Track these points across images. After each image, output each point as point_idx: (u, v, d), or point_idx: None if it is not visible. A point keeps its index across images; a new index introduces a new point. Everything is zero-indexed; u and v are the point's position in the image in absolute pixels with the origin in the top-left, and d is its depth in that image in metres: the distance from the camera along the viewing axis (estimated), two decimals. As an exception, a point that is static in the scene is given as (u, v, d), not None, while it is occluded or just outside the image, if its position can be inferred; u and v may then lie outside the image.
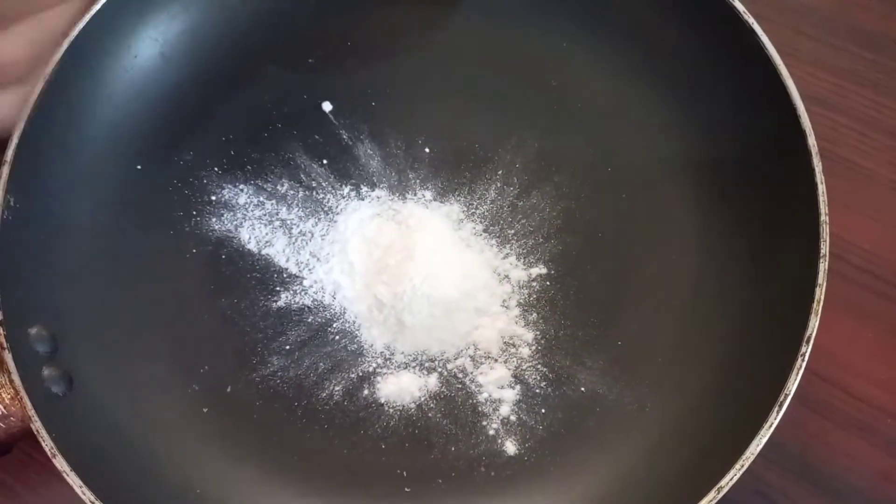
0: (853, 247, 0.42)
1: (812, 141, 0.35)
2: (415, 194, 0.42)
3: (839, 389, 0.39)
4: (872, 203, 0.43)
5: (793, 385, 0.32)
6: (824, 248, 0.33)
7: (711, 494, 0.31)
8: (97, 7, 0.39)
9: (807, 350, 0.32)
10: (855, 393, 0.39)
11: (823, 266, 0.33)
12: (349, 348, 0.39)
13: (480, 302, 0.39)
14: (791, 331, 0.33)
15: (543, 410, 0.37)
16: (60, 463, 0.31)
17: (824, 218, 0.34)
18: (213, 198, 0.41)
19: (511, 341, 0.39)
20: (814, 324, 0.32)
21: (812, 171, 0.34)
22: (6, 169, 0.35)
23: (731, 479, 0.31)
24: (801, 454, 0.38)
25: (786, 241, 0.36)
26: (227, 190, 0.42)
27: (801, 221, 0.34)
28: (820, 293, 0.33)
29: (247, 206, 0.41)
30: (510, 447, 0.37)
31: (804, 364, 0.32)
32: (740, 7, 0.38)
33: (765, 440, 0.31)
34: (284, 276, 0.40)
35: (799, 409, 0.38)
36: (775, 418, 0.31)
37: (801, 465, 0.38)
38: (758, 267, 0.37)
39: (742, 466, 0.31)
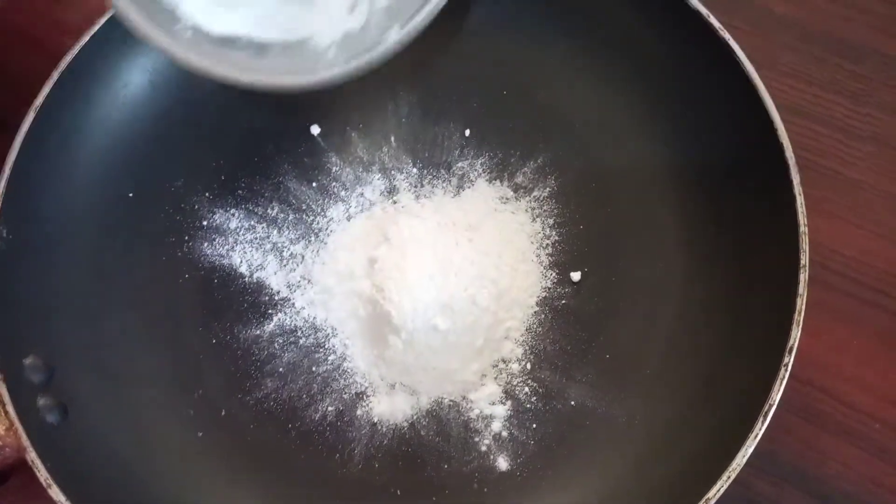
0: (837, 255, 0.42)
1: (790, 153, 0.35)
2: (405, 214, 0.42)
3: (828, 396, 0.40)
4: (855, 211, 0.43)
5: (777, 395, 0.32)
6: (804, 258, 0.34)
7: (700, 506, 0.31)
8: (87, 37, 0.40)
9: (790, 360, 0.32)
10: (844, 399, 0.40)
11: (804, 276, 0.33)
12: (342, 368, 0.39)
13: (471, 320, 0.40)
14: (774, 341, 0.33)
15: (535, 425, 0.38)
16: (56, 493, 0.31)
17: (803, 229, 0.34)
18: (205, 223, 0.42)
19: (501, 357, 0.39)
20: (796, 334, 0.33)
21: (790, 182, 0.35)
22: (-1, 201, 0.36)
23: (718, 490, 0.31)
24: (791, 461, 0.39)
25: (767, 251, 0.36)
26: (218, 215, 0.42)
27: (782, 232, 0.35)
28: (801, 303, 0.33)
29: (238, 230, 0.42)
30: (502, 463, 0.37)
31: (787, 374, 0.32)
32: (716, 23, 0.38)
33: (750, 450, 0.32)
34: (276, 298, 0.41)
35: (788, 416, 0.38)
36: (760, 428, 0.32)
37: (791, 472, 0.38)
38: (741, 278, 0.37)
39: (729, 477, 0.31)
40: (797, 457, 0.39)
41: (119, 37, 0.41)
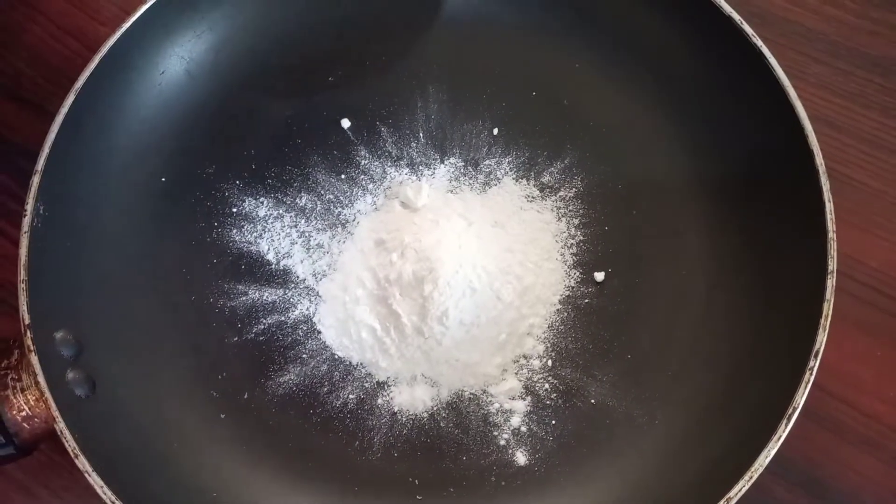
0: (861, 265, 0.42)
1: (819, 160, 0.35)
2: (432, 209, 0.43)
3: (848, 406, 0.40)
4: (880, 222, 0.43)
5: (801, 398, 0.32)
6: (832, 264, 0.34)
7: (720, 506, 0.31)
8: (126, 25, 0.40)
9: (815, 364, 0.33)
10: (863, 410, 0.40)
11: (831, 282, 0.34)
12: (364, 357, 0.40)
13: (494, 314, 0.40)
14: (799, 345, 0.33)
15: (554, 422, 0.38)
16: (83, 463, 0.32)
17: (832, 235, 0.34)
18: (235, 210, 0.42)
19: (523, 353, 0.39)
20: (822, 339, 0.33)
21: (820, 189, 0.35)
22: (37, 178, 0.37)
23: (739, 491, 0.31)
24: (809, 470, 0.39)
25: (794, 257, 0.36)
26: (247, 202, 0.43)
27: (810, 238, 0.35)
28: (828, 309, 0.33)
29: (267, 218, 0.42)
30: (520, 457, 0.37)
31: (812, 378, 0.32)
32: (749, 30, 0.38)
33: (773, 452, 0.32)
34: (301, 287, 0.41)
35: (808, 425, 0.38)
36: (784, 431, 0.32)
37: (809, 480, 0.38)
38: (766, 283, 0.37)
39: (751, 478, 0.31)
40: (815, 465, 0.39)
41: (158, 26, 0.42)
